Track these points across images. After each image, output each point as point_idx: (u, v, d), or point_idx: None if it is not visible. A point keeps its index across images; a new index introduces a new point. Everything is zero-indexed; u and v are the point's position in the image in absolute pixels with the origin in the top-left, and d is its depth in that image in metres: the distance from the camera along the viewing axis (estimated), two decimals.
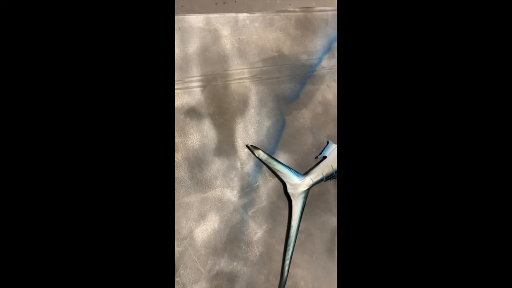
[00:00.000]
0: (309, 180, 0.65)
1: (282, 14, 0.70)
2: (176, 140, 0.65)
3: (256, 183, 0.66)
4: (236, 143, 0.67)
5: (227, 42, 0.68)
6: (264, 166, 0.67)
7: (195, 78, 0.67)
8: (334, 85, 0.70)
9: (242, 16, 0.69)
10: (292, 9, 0.71)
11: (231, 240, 0.65)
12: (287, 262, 0.64)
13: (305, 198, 0.65)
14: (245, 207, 0.66)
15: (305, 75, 0.70)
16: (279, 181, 0.67)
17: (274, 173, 0.66)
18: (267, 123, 0.68)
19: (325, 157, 0.67)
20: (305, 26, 0.71)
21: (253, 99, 0.68)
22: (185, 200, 0.65)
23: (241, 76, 0.68)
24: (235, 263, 0.64)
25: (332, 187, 0.68)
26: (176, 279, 0.63)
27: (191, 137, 0.66)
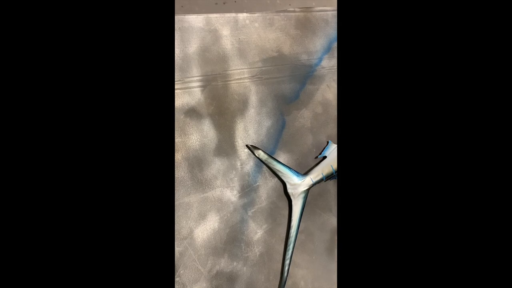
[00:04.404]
0: (309, 180, 0.65)
1: (282, 14, 0.70)
2: (176, 140, 0.65)
3: (256, 183, 0.66)
4: (236, 143, 0.67)
5: (227, 42, 0.68)
6: (264, 166, 0.67)
7: (195, 78, 0.67)
8: (334, 85, 0.70)
9: (242, 16, 0.69)
10: (292, 9, 0.71)
11: (231, 240, 0.65)
12: (287, 262, 0.64)
13: (305, 198, 0.65)
14: (245, 207, 0.66)
15: (305, 75, 0.70)
16: (279, 181, 0.67)
17: (274, 173, 0.66)
18: (267, 123, 0.68)
19: (325, 157, 0.67)
20: (305, 26, 0.71)
21: (253, 99, 0.68)
22: (185, 200, 0.65)
23: (241, 76, 0.68)
24: (235, 263, 0.64)
25: (332, 187, 0.68)
26: (176, 279, 0.63)
27: (191, 137, 0.66)
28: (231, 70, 0.68)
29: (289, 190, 0.65)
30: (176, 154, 0.65)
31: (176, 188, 0.64)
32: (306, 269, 0.66)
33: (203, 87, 0.67)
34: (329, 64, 0.70)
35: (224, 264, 0.64)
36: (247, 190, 0.66)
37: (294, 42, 0.70)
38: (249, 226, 0.65)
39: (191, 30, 0.68)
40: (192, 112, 0.66)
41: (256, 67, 0.68)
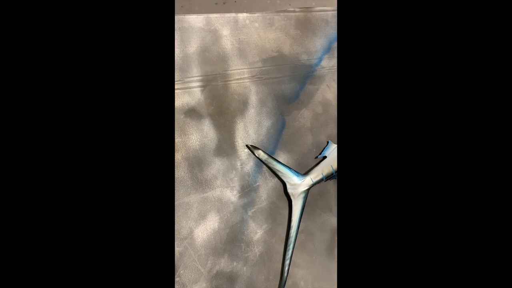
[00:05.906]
0: (309, 180, 0.65)
1: (282, 14, 0.70)
2: (176, 140, 0.65)
3: (256, 183, 0.66)
4: (236, 143, 0.67)
5: (227, 42, 0.68)
6: (264, 166, 0.67)
7: (195, 78, 0.67)
8: (334, 85, 0.70)
9: (242, 16, 0.69)
10: (292, 9, 0.71)
11: (231, 240, 0.65)
12: (287, 262, 0.64)
13: (305, 198, 0.65)
14: (245, 207, 0.66)
15: (305, 75, 0.69)
16: (279, 181, 0.67)
17: (274, 173, 0.66)
18: (267, 123, 0.68)
19: (325, 157, 0.67)
20: (305, 26, 0.71)
21: (253, 99, 0.68)
22: (185, 200, 0.65)
23: (241, 76, 0.68)
24: (235, 263, 0.64)
25: (332, 187, 0.68)
26: (176, 279, 0.63)
27: (191, 137, 0.66)
28: (231, 70, 0.68)
29: (289, 190, 0.65)
30: (176, 154, 0.65)
31: (176, 188, 0.64)
32: (306, 269, 0.66)
33: (203, 87, 0.67)
34: (329, 64, 0.70)
35: (224, 264, 0.64)
36: (247, 190, 0.66)
37: (294, 42, 0.70)
38: (249, 226, 0.65)
39: (191, 30, 0.68)
40: (192, 112, 0.66)
41: (256, 67, 0.68)
